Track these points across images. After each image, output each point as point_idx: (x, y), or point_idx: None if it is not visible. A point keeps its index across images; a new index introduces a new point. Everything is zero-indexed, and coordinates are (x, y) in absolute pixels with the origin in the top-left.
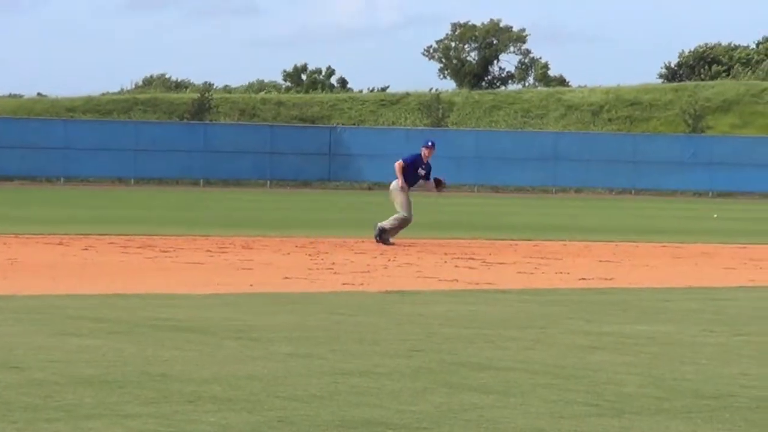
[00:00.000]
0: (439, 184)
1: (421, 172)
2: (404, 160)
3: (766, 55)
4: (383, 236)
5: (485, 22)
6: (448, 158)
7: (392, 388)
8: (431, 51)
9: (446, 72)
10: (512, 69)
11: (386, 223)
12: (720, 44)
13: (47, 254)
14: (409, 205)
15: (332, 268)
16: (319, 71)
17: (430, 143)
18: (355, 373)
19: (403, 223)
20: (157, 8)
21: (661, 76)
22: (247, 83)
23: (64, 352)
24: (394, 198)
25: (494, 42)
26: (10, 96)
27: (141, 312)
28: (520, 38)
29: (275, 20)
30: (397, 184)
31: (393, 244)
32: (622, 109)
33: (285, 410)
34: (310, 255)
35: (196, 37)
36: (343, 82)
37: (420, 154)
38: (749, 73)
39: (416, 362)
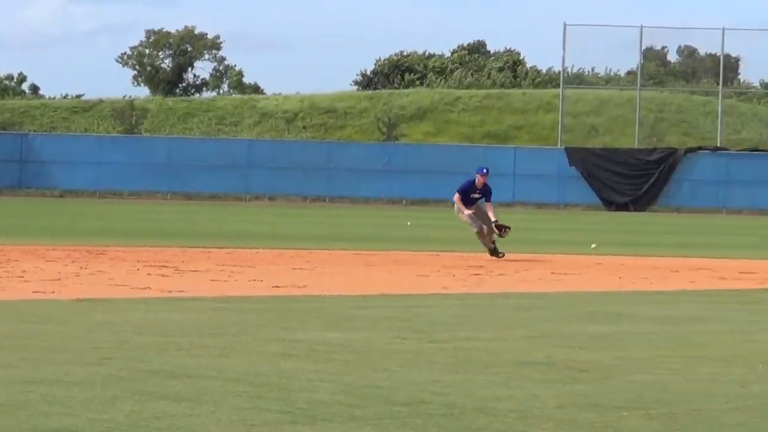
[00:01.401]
0: (501, 229)
1: (475, 196)
2: (459, 191)
3: (460, 63)
4: (496, 252)
5: (180, 29)
6: (141, 165)
7: (83, 396)
8: (125, 58)
9: (140, 79)
10: (207, 76)
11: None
12: (415, 53)
13: None
14: (474, 218)
15: (22, 276)
16: (10, 77)
17: (485, 170)
18: (46, 382)
19: (480, 236)
20: None
21: (356, 83)
22: None
23: None
24: (462, 220)
25: (189, 49)
26: None
27: None
28: (215, 45)
29: None
30: (456, 209)
31: (502, 254)
32: (316, 116)
33: None
34: None
35: None
36: (35, 89)
37: (474, 181)
38: (443, 82)
39: (107, 370)
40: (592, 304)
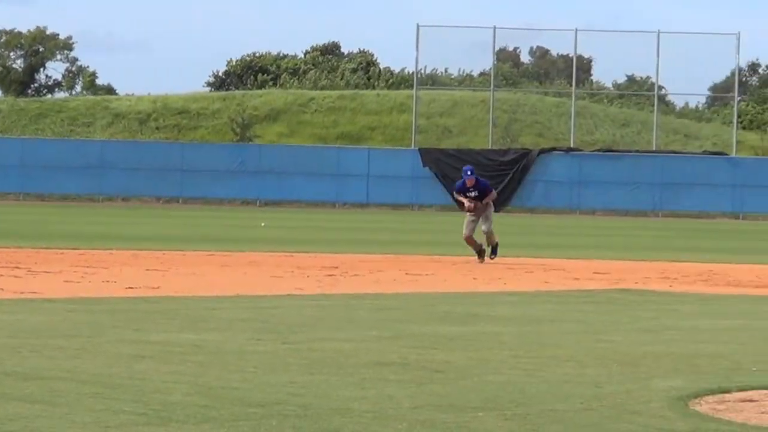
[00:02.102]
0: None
1: (471, 194)
2: (456, 191)
3: (313, 64)
4: (483, 253)
5: (31, 29)
6: None
7: None
8: None
9: None
10: (59, 77)
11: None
12: (268, 53)
13: None
14: (470, 224)
15: None
16: None
17: (468, 172)
18: None
19: (467, 241)
20: None
21: (209, 84)
22: None
23: None
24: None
25: (40, 49)
26: None
27: None
28: (67, 46)
29: None
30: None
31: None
32: (170, 117)
33: None
34: None
35: None
36: None
37: (465, 181)
38: (296, 83)
39: None
40: (447, 304)
